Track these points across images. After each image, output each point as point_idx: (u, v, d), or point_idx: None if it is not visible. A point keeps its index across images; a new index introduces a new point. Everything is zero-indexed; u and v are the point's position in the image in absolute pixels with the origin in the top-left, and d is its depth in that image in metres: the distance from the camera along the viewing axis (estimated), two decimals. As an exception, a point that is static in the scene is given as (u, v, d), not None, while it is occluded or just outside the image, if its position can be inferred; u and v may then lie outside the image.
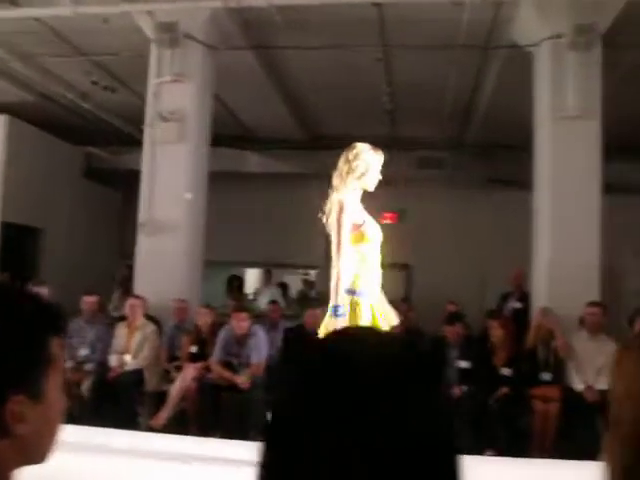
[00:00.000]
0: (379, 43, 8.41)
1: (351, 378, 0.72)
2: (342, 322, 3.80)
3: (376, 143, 12.47)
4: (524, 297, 8.22)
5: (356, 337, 0.81)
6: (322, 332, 3.88)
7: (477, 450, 5.72)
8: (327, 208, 4.07)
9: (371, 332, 0.88)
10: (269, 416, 0.77)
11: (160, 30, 7.59)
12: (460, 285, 11.66)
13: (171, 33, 7.55)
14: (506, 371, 6.35)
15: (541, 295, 7.27)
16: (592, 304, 6.66)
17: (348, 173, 4.01)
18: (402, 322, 7.01)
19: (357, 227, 3.99)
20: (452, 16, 7.56)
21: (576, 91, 7.13)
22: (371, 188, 4.12)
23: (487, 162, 12.13)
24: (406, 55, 8.73)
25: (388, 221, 13.14)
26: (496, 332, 6.54)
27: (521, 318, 7.57)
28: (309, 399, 0.73)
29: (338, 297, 3.82)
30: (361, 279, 3.95)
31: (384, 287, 12.41)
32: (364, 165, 4.03)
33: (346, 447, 0.69)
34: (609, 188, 7.62)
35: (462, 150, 12.26)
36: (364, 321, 3.85)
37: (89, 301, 7.66)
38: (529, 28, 7.61)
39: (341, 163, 4.09)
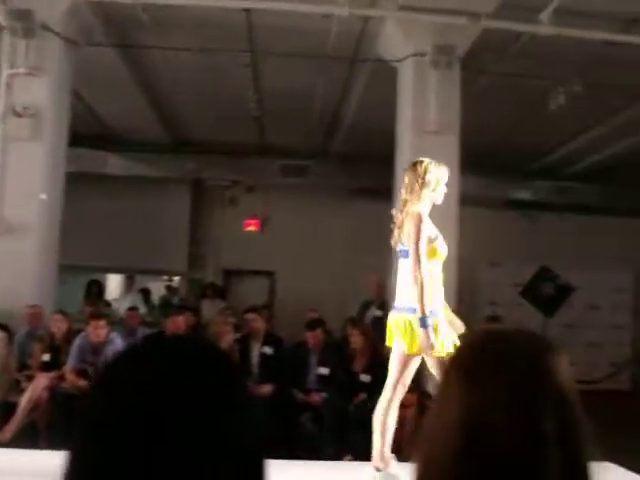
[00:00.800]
0: (247, 49, 8.38)
1: (151, 380, 0.71)
2: (431, 333, 3.76)
3: (242, 149, 12.54)
4: (384, 305, 8.44)
5: (168, 343, 0.82)
6: (412, 345, 3.86)
7: (337, 456, 5.79)
8: (398, 221, 4.08)
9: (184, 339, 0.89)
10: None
11: (13, 17, 7.09)
12: (323, 292, 11.82)
13: (26, 22, 7.07)
14: (365, 377, 6.47)
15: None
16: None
17: (422, 187, 4.02)
18: (261, 329, 7.04)
19: (430, 241, 3.98)
20: (321, 27, 7.65)
21: (436, 107, 7.43)
22: (439, 201, 4.18)
23: (351, 172, 12.39)
24: (274, 62, 8.75)
25: (252, 228, 13.14)
26: (356, 339, 6.65)
27: (381, 326, 7.74)
28: (110, 401, 0.71)
29: (425, 308, 3.76)
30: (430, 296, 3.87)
31: (249, 293, 12.28)
32: (435, 179, 4.07)
33: (145, 447, 0.67)
34: (465, 201, 7.99)
35: (327, 159, 12.46)
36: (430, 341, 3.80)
37: None
38: (394, 44, 7.85)
39: (411, 178, 4.09)
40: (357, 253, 12.40)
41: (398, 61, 7.88)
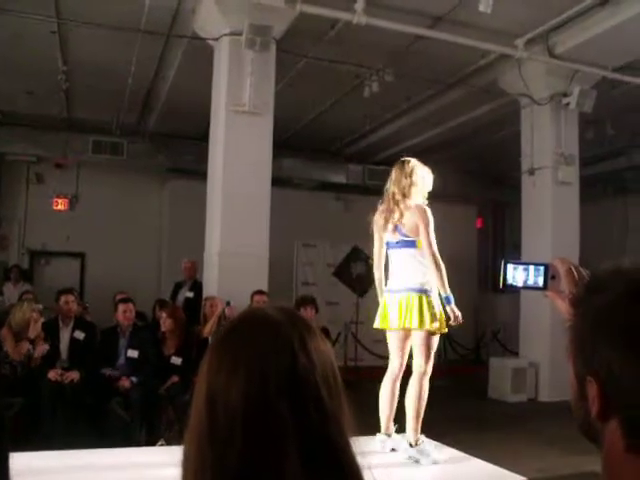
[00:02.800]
0: (54, 14, 7.84)
1: None
2: (455, 307, 4.14)
3: (50, 123, 11.76)
4: (196, 286, 8.36)
5: None
6: (438, 320, 4.14)
7: (150, 441, 5.65)
8: (391, 213, 4.33)
9: None
10: None
11: None
12: (136, 274, 11.52)
13: None
14: (176, 360, 6.36)
15: (212, 284, 7.44)
16: (258, 292, 6.97)
17: (411, 186, 4.29)
18: (74, 311, 6.68)
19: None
20: (133, -1, 7.37)
21: (251, 87, 7.41)
22: (426, 196, 4.42)
23: (166, 151, 12.10)
24: (85, 33, 8.28)
25: (60, 207, 12.47)
26: (165, 322, 6.51)
27: (192, 307, 7.67)
28: None
29: (447, 288, 4.12)
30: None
31: (57, 276, 11.68)
32: (421, 177, 4.35)
33: None
34: (281, 182, 8.09)
35: (141, 137, 12.06)
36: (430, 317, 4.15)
37: None
38: (210, 22, 7.72)
39: (398, 175, 4.37)
40: (171, 234, 12.19)
41: (214, 39, 7.77)
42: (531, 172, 9.61)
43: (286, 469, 0.86)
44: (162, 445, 5.77)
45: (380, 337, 13.41)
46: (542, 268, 1.51)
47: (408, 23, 7.84)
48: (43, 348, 6.10)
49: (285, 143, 8.26)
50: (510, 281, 1.59)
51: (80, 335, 6.43)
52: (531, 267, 1.55)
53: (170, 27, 8.24)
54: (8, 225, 12.42)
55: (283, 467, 0.87)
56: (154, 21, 7.90)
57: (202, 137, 8.77)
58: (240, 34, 7.36)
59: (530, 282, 1.55)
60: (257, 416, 0.88)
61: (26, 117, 11.37)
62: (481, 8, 7.05)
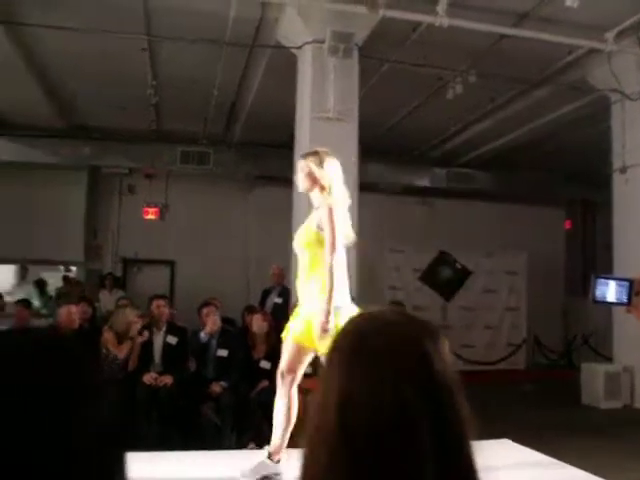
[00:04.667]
0: (144, 32, 8.15)
1: None
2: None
3: (140, 136, 12.21)
4: (284, 292, 8.47)
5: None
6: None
7: (240, 444, 5.76)
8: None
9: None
10: None
11: None
12: (224, 281, 11.75)
13: None
14: (266, 364, 6.46)
15: (301, 290, 7.50)
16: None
17: (322, 177, 3.90)
18: (166, 315, 6.90)
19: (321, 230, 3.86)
20: (219, 11, 7.55)
21: (335, 94, 7.47)
22: (343, 195, 3.98)
23: (251, 159, 12.33)
24: (173, 48, 8.56)
25: (151, 216, 12.87)
26: (257, 326, 6.63)
27: (281, 313, 7.77)
28: None
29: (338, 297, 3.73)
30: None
31: (149, 283, 12.01)
32: (332, 170, 3.94)
33: None
34: (366, 188, 8.10)
35: (227, 146, 12.33)
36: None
37: None
38: (293, 31, 7.83)
39: (312, 168, 3.92)
40: (257, 240, 12.39)
41: (297, 48, 7.87)
42: (623, 170, 9.27)
43: None
44: (253, 449, 5.88)
45: (468, 342, 13.20)
46: (627, 284, 1.47)
47: (491, 22, 7.72)
48: (144, 335, 6.37)
49: (369, 148, 8.27)
50: (599, 296, 1.57)
51: (173, 340, 6.62)
52: (614, 282, 1.52)
53: (254, 38, 8.39)
54: (102, 235, 12.94)
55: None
56: (238, 33, 8.08)
57: (287, 145, 8.88)
58: (323, 42, 7.44)
59: (614, 297, 1.52)
60: (393, 426, 0.85)
61: (118, 131, 11.83)
62: (568, 2, 6.88)
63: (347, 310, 3.75)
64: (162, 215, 12.91)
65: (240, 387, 6.27)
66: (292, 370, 4.01)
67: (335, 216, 3.78)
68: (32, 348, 0.74)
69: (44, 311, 11.46)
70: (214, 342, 6.59)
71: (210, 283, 11.31)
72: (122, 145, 11.93)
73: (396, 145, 12.36)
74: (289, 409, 3.98)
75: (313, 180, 3.92)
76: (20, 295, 10.88)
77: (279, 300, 8.56)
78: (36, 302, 11.87)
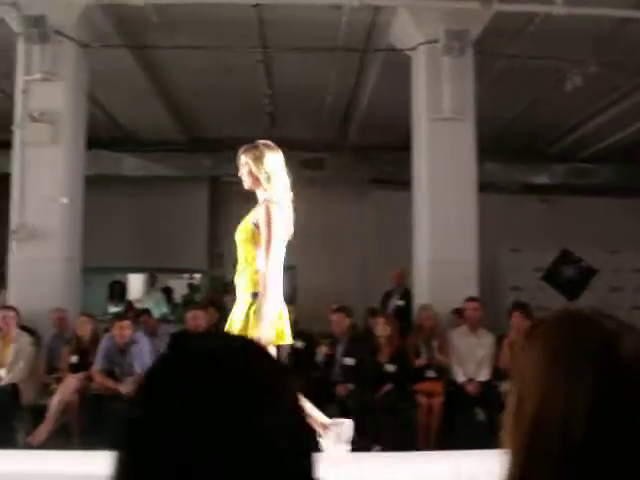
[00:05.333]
0: (259, 44, 8.39)
1: (197, 380, 0.72)
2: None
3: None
4: (406, 295, 8.45)
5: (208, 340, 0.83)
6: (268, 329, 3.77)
7: (364, 446, 5.80)
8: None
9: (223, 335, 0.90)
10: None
11: (27, 24, 7.15)
12: (344, 285, 11.82)
13: (39, 28, 7.13)
14: (390, 367, 6.48)
15: (422, 292, 7.49)
16: (471, 299, 6.92)
17: (260, 173, 3.93)
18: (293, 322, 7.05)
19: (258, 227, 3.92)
20: (331, 19, 7.65)
21: (450, 94, 7.40)
22: (283, 190, 4.02)
23: (367, 163, 12.38)
24: (286, 57, 8.76)
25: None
26: (381, 329, 6.66)
27: (403, 315, 7.77)
28: (158, 400, 0.73)
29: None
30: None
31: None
32: (272, 165, 3.96)
33: (195, 449, 0.69)
34: (484, 187, 7.97)
35: (343, 151, 12.44)
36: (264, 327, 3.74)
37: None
38: (406, 32, 7.82)
39: (250, 164, 3.97)
40: (376, 244, 12.40)
41: (410, 49, 7.85)
42: None
43: None
44: (378, 451, 5.90)
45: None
46: None
47: (611, 6, 7.40)
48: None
49: (486, 147, 8.13)
50: None
51: (299, 344, 6.76)
52: None
53: (365, 42, 8.44)
54: (225, 242, 13.35)
55: None
56: (350, 38, 8.15)
57: (402, 147, 8.88)
58: (436, 42, 7.38)
59: None
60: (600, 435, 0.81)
61: (236, 141, 12.16)
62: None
63: (277, 307, 3.80)
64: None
65: (365, 390, 6.31)
66: None
67: (273, 215, 3.77)
68: (243, 350, 0.79)
69: (172, 317, 11.99)
70: (340, 349, 6.66)
71: (329, 287, 11.44)
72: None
73: (513, 142, 12.05)
74: None
75: (254, 177, 3.90)
76: (149, 302, 11.46)
77: (401, 302, 8.56)
78: (164, 309, 12.44)
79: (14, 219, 7.37)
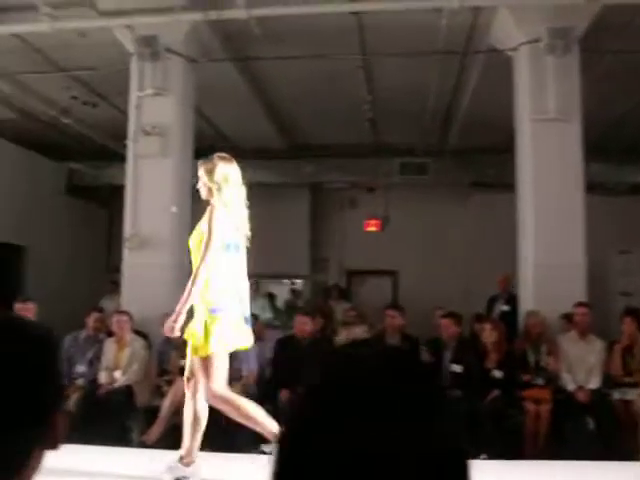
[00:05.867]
0: (359, 51, 8.46)
1: (362, 387, 0.75)
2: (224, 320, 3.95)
3: (359, 151, 12.59)
4: (511, 300, 8.27)
5: (363, 348, 0.85)
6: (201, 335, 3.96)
7: (472, 454, 5.72)
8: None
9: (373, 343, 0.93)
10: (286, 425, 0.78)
11: (140, 44, 7.57)
12: (446, 289, 11.70)
13: (151, 47, 7.53)
14: (498, 373, 6.37)
15: (528, 297, 7.31)
16: (581, 304, 6.71)
17: (212, 183, 4.12)
18: (399, 327, 7.04)
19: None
20: (431, 22, 7.61)
21: (555, 94, 7.20)
22: (235, 197, 4.20)
23: (469, 166, 12.21)
24: (386, 62, 8.79)
25: (372, 228, 13.20)
26: (488, 334, 6.56)
27: (509, 320, 7.61)
28: (323, 407, 0.75)
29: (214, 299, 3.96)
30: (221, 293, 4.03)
31: (372, 293, 12.26)
32: (222, 175, 4.14)
33: (361, 453, 0.71)
34: (591, 188, 7.71)
35: (444, 155, 12.33)
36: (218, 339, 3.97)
37: (93, 318, 7.57)
38: (507, 33, 7.68)
39: (203, 177, 4.19)
40: (479, 248, 12.20)
41: (512, 50, 7.70)
42: None
43: None
44: (484, 459, 5.81)
45: None
46: None
47: None
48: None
49: (592, 147, 7.85)
50: None
51: (404, 348, 6.75)
52: None
53: (466, 44, 8.35)
54: (326, 248, 13.51)
55: None
56: (450, 41, 8.07)
57: (505, 149, 8.71)
58: (539, 41, 7.21)
59: None
60: None
61: (337, 147, 12.34)
62: None
63: (227, 314, 3.94)
64: (383, 227, 13.19)
65: (473, 397, 6.23)
66: (194, 372, 4.09)
67: (215, 221, 3.95)
68: (398, 356, 0.82)
69: (276, 322, 12.20)
70: (448, 354, 6.60)
71: (431, 292, 11.36)
72: (341, 161, 12.41)
73: (620, 142, 11.58)
74: (195, 412, 4.04)
75: (207, 187, 4.10)
76: (254, 308, 11.67)
77: (506, 307, 8.38)
78: (268, 314, 12.67)
79: (127, 228, 7.74)
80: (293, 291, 14.15)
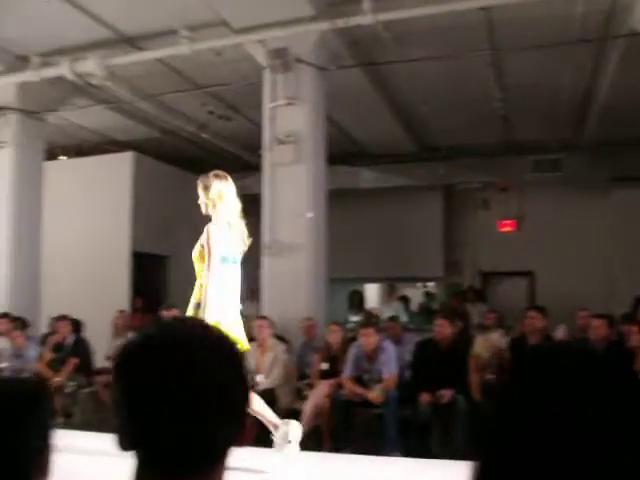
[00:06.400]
0: (488, 48, 8.29)
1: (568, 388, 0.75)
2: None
3: (490, 150, 12.32)
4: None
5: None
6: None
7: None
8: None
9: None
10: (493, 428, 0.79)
11: (272, 56, 7.81)
12: (586, 289, 11.21)
13: (282, 58, 7.74)
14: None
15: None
16: None
17: (207, 200, 4.44)
18: (534, 330, 6.81)
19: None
20: (564, 11, 7.34)
21: None
22: (231, 213, 4.47)
23: (608, 160, 11.65)
24: (517, 57, 8.55)
25: (507, 228, 12.89)
26: (635, 337, 6.21)
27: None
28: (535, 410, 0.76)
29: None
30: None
31: (507, 295, 11.95)
32: (217, 193, 4.42)
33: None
34: None
35: (579, 150, 11.84)
36: None
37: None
38: (650, 14, 7.25)
39: (201, 192, 4.49)
40: (622, 245, 11.60)
41: (656, 31, 7.27)
42: None
43: None
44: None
45: None
46: None
47: None
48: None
49: None
50: None
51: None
52: None
53: (603, 31, 7.98)
54: (460, 249, 13.31)
55: None
56: (586, 29, 7.74)
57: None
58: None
59: None
60: None
61: (467, 147, 12.15)
62: None
63: (224, 318, 4.21)
64: (518, 226, 12.84)
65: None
66: None
67: (212, 235, 4.30)
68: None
69: (411, 325, 12.14)
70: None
71: (570, 292, 10.91)
72: (473, 161, 12.23)
73: None
74: None
75: (205, 203, 4.43)
76: (389, 311, 11.70)
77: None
78: (403, 317, 12.64)
79: (265, 235, 7.96)
80: (427, 294, 14.05)
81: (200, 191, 4.49)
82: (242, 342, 4.42)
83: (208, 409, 0.97)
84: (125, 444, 0.99)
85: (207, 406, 0.97)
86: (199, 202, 4.52)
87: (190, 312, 4.43)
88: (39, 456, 1.28)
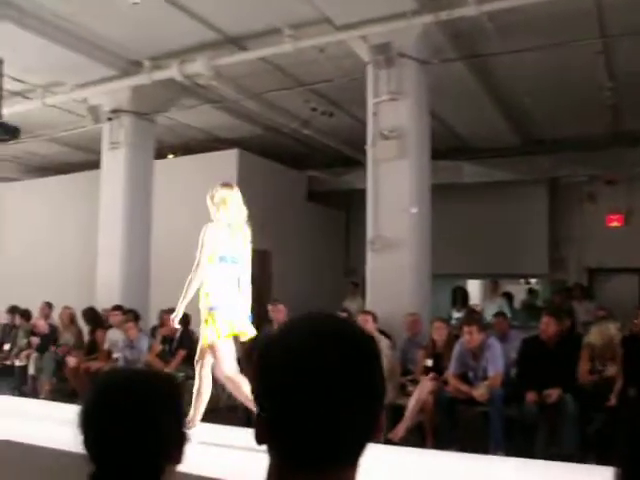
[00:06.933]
0: (598, 35, 7.99)
1: None
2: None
3: (597, 141, 11.86)
4: None
5: None
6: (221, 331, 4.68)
7: None
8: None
9: None
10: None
11: (375, 52, 7.83)
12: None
13: (385, 53, 7.75)
14: None
15: None
16: None
17: (212, 205, 4.78)
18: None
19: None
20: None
21: None
22: (233, 217, 4.76)
23: None
24: (630, 43, 8.19)
25: (615, 223, 12.42)
26: None
27: None
28: None
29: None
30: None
31: (616, 292, 11.53)
32: (220, 199, 4.75)
33: None
34: None
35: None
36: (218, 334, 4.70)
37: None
38: None
39: (209, 199, 4.83)
40: None
41: None
42: None
43: None
44: None
45: None
46: None
47: None
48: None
49: None
50: None
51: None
52: None
53: None
54: (566, 245, 12.91)
55: None
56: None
57: None
58: None
59: None
60: None
61: (573, 139, 11.76)
62: None
63: (222, 311, 4.64)
64: (626, 221, 12.33)
65: None
66: (202, 357, 4.88)
67: (204, 238, 4.69)
68: None
69: (515, 322, 11.88)
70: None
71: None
72: (579, 153, 11.82)
73: None
74: (199, 388, 4.84)
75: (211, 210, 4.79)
76: (492, 308, 11.49)
77: None
78: (508, 314, 12.38)
79: (369, 231, 7.99)
80: (530, 290, 13.71)
81: (208, 199, 4.83)
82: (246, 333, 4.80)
83: (355, 405, 0.96)
84: (261, 438, 0.99)
85: (354, 402, 0.96)
86: (209, 207, 4.89)
87: (204, 315, 4.75)
88: (176, 442, 1.38)
